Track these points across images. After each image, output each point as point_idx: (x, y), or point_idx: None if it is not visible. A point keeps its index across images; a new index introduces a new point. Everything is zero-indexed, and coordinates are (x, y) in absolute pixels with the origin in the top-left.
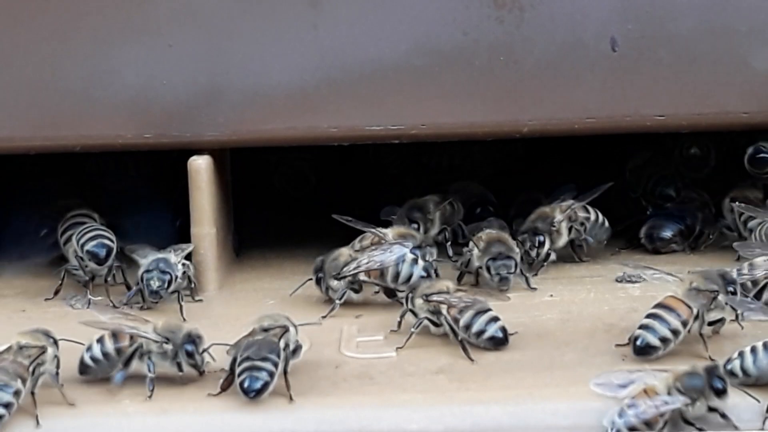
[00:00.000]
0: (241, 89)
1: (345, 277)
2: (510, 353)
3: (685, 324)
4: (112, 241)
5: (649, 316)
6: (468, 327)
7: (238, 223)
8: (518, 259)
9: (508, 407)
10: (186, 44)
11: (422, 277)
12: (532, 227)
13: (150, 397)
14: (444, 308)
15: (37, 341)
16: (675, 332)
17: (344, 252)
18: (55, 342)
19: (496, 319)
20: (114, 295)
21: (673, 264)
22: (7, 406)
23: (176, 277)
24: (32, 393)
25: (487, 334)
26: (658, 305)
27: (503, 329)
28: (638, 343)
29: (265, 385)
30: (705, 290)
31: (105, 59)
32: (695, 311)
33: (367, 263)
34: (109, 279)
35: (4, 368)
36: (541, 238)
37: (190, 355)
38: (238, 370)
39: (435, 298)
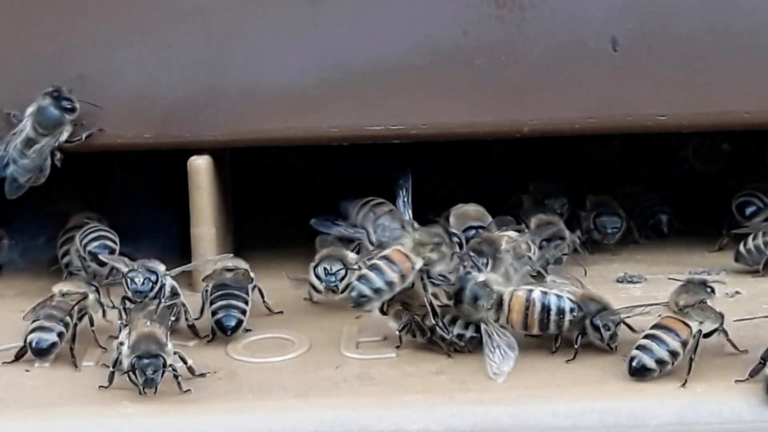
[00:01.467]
0: (241, 89)
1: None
2: None
3: (684, 344)
4: (114, 242)
5: (647, 336)
6: (461, 337)
7: (238, 223)
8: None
9: (508, 407)
10: (186, 44)
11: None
12: (477, 248)
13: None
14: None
15: (78, 288)
16: (674, 354)
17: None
18: (98, 289)
19: (468, 324)
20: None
21: (675, 264)
22: (53, 345)
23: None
24: (73, 338)
25: (467, 336)
26: (656, 326)
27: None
28: (634, 364)
29: (239, 322)
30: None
31: (105, 59)
32: (694, 330)
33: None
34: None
35: (55, 308)
36: (485, 260)
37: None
38: (212, 308)
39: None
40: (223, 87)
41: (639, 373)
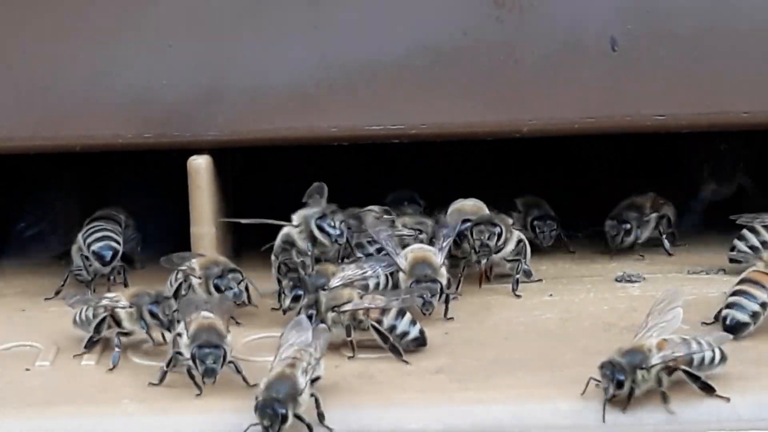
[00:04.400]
0: (241, 89)
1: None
2: (510, 353)
3: None
4: (118, 242)
5: (735, 293)
6: (392, 329)
7: (238, 223)
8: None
9: (508, 407)
10: (186, 44)
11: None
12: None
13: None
14: (360, 314)
15: None
16: (764, 305)
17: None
18: None
19: (414, 321)
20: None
21: (674, 264)
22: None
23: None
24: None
25: (411, 336)
26: (743, 280)
27: (422, 331)
28: (728, 322)
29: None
30: None
31: (105, 59)
32: None
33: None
34: (111, 278)
35: None
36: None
37: (153, 315)
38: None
39: (348, 307)
40: (223, 87)
41: (734, 329)
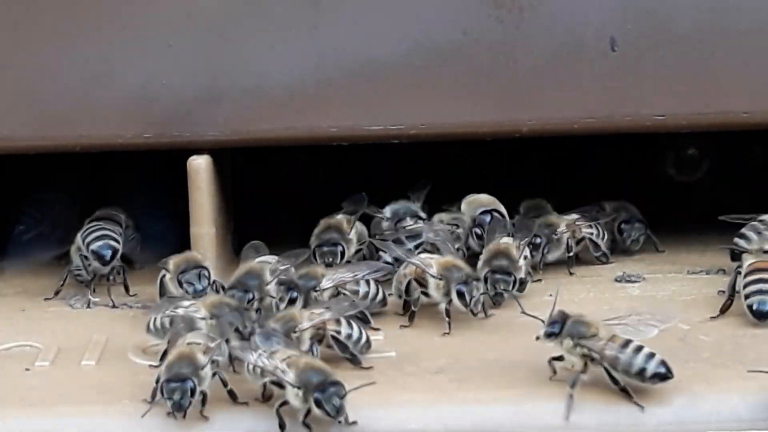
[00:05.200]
0: (241, 89)
1: None
2: (510, 353)
3: None
4: (117, 242)
5: (752, 282)
6: (349, 337)
7: (238, 223)
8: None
9: (508, 407)
10: (186, 44)
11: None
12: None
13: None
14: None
15: None
16: None
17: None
18: None
19: (360, 326)
20: (115, 295)
21: (674, 264)
22: None
23: None
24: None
25: (363, 340)
26: (753, 271)
27: (367, 333)
28: (755, 308)
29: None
30: None
31: (105, 59)
32: None
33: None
34: (110, 278)
35: None
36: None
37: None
38: None
39: (307, 325)
40: (223, 87)
41: (765, 316)
